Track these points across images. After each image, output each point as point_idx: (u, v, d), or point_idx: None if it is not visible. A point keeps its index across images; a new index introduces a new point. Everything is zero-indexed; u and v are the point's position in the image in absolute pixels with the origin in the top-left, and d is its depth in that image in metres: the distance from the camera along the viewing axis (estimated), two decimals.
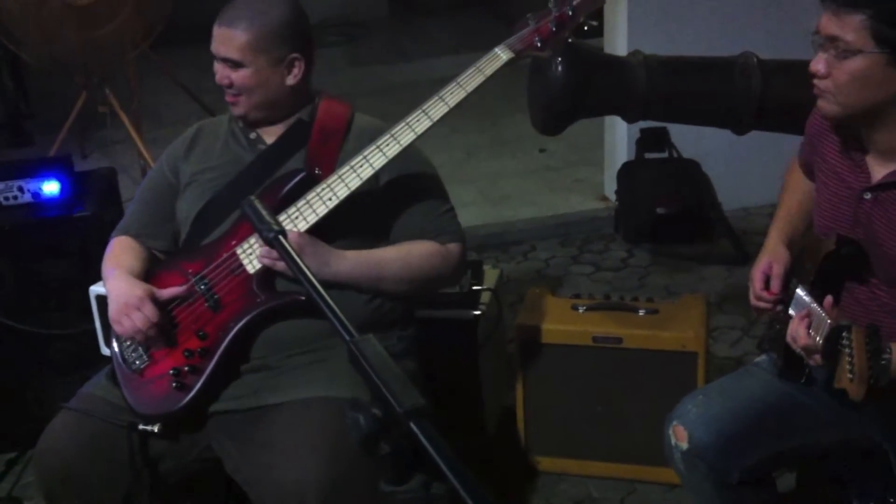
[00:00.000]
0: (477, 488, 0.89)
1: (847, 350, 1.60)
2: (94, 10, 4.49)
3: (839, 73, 1.68)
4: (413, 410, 0.93)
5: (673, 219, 3.90)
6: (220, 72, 2.02)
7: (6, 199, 2.77)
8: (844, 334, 1.61)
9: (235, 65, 1.99)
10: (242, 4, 2.01)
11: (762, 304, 1.87)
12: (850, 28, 1.64)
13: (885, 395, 1.63)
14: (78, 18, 4.49)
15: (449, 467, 0.90)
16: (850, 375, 1.59)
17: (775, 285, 1.85)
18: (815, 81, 1.73)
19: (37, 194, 2.78)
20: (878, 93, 1.68)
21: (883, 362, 1.58)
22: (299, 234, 1.87)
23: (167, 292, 1.95)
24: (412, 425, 0.92)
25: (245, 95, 2.02)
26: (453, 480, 0.90)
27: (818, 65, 1.71)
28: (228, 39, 1.97)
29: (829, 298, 1.70)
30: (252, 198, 1.47)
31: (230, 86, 2.01)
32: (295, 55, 2.01)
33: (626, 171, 4.06)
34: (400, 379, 0.97)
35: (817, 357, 1.68)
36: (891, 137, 1.73)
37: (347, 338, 1.09)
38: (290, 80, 2.02)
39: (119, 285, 1.97)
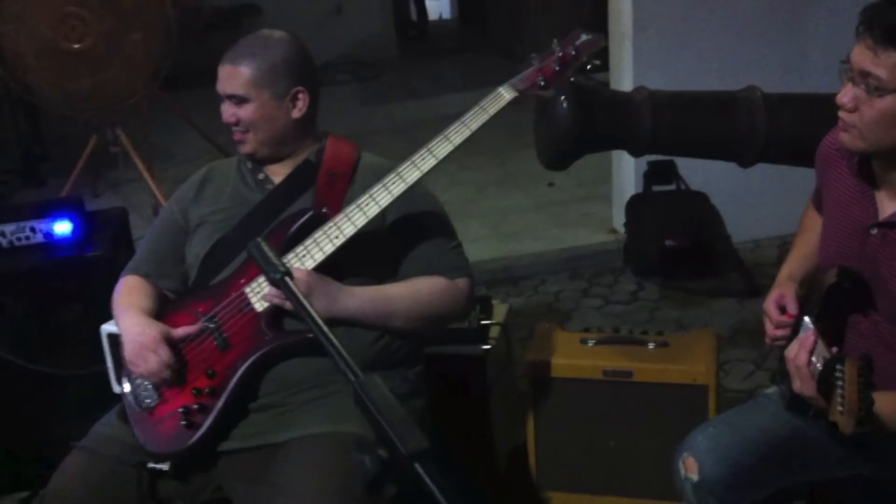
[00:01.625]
0: None
1: (839, 383, 1.58)
2: (96, 54, 4.56)
3: (868, 110, 1.64)
4: (418, 452, 0.93)
5: (682, 252, 3.90)
6: (227, 110, 2.06)
7: (18, 239, 2.80)
8: (838, 367, 1.59)
9: (241, 100, 2.03)
10: (245, 43, 2.06)
11: (780, 332, 1.85)
12: (886, 66, 1.59)
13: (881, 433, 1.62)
14: (83, 63, 4.56)
15: None
16: (840, 408, 1.57)
17: (792, 307, 1.83)
18: (841, 114, 1.70)
19: (49, 234, 2.81)
20: None
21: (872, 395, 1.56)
22: (307, 272, 1.89)
23: (180, 332, 1.97)
24: (417, 467, 0.92)
25: (252, 132, 2.05)
26: None
27: (845, 97, 1.67)
28: (233, 76, 2.02)
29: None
30: (258, 239, 1.48)
31: (237, 123, 2.05)
32: (299, 88, 2.05)
33: (634, 204, 4.07)
34: (404, 420, 0.97)
35: (797, 383, 1.66)
36: None
37: (352, 378, 1.09)
38: (296, 114, 2.06)
39: (133, 325, 1.99)
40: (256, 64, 2.01)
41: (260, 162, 2.12)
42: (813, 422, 1.84)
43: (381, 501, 1.70)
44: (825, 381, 1.62)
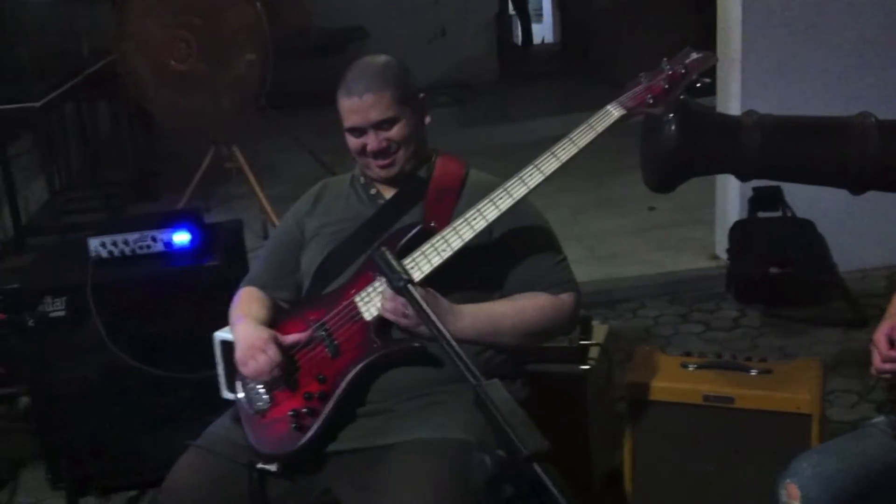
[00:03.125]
0: None
1: None
2: (201, 74, 4.75)
3: None
4: (537, 453, 0.96)
5: (786, 279, 3.83)
6: (374, 139, 2.09)
7: (140, 248, 2.93)
8: None
9: (391, 123, 2.09)
10: (364, 73, 2.11)
11: (889, 366, 1.82)
12: None
13: None
14: (191, 82, 4.76)
15: None
16: None
17: None
18: None
19: (169, 244, 2.93)
20: None
21: None
22: (424, 289, 1.90)
23: (290, 338, 2.05)
24: (536, 467, 0.94)
25: (403, 149, 2.11)
26: None
27: None
28: (377, 103, 2.07)
29: None
30: (383, 249, 1.54)
31: (387, 147, 2.10)
32: (422, 94, 2.16)
33: (738, 230, 4.02)
34: (525, 423, 1.00)
35: None
36: None
37: (474, 381, 1.13)
38: (427, 119, 2.17)
39: (246, 330, 2.08)
40: (393, 85, 2.09)
41: (392, 181, 2.17)
42: None
43: (499, 501, 1.73)
44: None
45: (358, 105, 2.08)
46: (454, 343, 1.22)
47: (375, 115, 2.08)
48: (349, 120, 2.10)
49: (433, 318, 1.30)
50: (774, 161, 2.63)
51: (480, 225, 1.97)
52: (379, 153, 2.11)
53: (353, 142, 2.13)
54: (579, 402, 2.61)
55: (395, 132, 2.09)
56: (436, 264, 1.96)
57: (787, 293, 3.87)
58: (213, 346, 2.51)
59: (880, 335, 1.85)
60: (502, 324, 2.03)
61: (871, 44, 3.94)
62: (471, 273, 2.03)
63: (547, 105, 7.61)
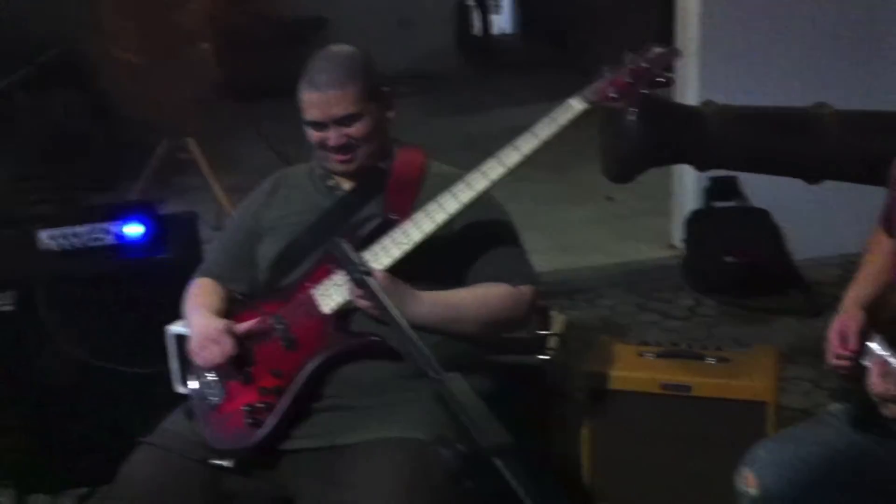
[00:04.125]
0: None
1: None
2: (156, 64, 4.69)
3: None
4: (499, 447, 0.95)
5: (742, 269, 3.87)
6: (335, 134, 2.05)
7: (91, 240, 2.86)
8: None
9: (353, 119, 2.04)
10: (327, 66, 2.06)
11: (841, 363, 1.84)
12: None
13: None
14: (147, 72, 4.69)
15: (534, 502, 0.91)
16: None
17: (852, 342, 1.82)
18: None
19: (120, 236, 2.87)
20: None
21: None
22: (384, 274, 1.89)
23: (244, 326, 2.02)
24: (498, 461, 0.93)
25: (364, 146, 2.07)
26: None
27: None
28: (340, 99, 2.02)
29: None
30: (339, 239, 1.51)
31: (346, 143, 2.06)
32: (385, 88, 2.10)
33: (694, 220, 4.05)
34: (486, 416, 0.99)
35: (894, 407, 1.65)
36: None
37: (434, 375, 1.11)
38: (391, 114, 2.12)
39: (200, 320, 2.05)
40: (358, 80, 2.04)
41: (349, 174, 2.14)
42: (882, 441, 1.82)
43: (462, 496, 1.72)
44: None
45: (320, 99, 2.03)
46: (415, 336, 1.20)
47: (337, 111, 2.03)
48: (310, 114, 2.06)
49: (393, 310, 1.27)
50: (732, 151, 2.66)
51: (441, 218, 1.95)
52: (339, 149, 2.07)
53: (313, 135, 2.08)
54: (538, 392, 2.60)
55: (356, 129, 2.05)
56: (396, 256, 1.94)
57: (742, 282, 3.90)
58: (166, 339, 2.47)
59: (833, 333, 1.86)
60: (463, 312, 2.01)
61: (828, 35, 3.98)
62: (431, 265, 2.01)
63: (509, 95, 7.60)
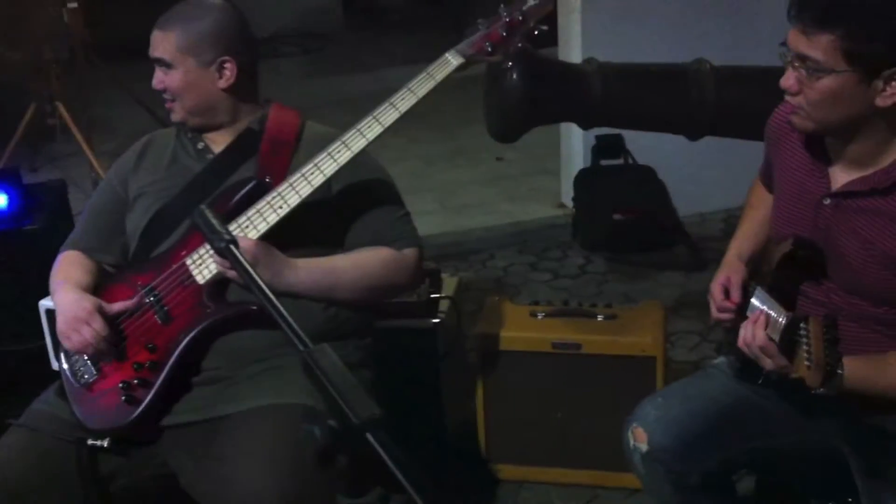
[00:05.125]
0: (436, 499, 0.87)
1: (804, 340, 1.61)
2: (18, 20, 4.45)
3: (811, 92, 1.66)
4: (369, 421, 0.91)
5: (630, 225, 3.92)
6: (156, 76, 2.03)
7: None
8: (802, 325, 1.62)
9: (167, 66, 2.00)
10: (178, 8, 2.03)
11: (725, 315, 1.87)
12: (820, 48, 1.62)
13: (840, 397, 1.64)
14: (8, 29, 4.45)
15: (407, 478, 0.88)
16: (807, 363, 1.60)
17: (735, 295, 1.85)
18: (787, 98, 1.73)
19: None
20: (852, 109, 1.66)
21: (839, 350, 1.59)
22: (254, 242, 1.84)
23: (116, 306, 1.92)
24: (369, 436, 0.89)
25: (179, 100, 2.02)
26: (412, 491, 0.88)
27: (789, 81, 1.69)
28: (161, 41, 2.00)
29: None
30: (202, 207, 1.44)
31: (164, 90, 2.02)
32: (225, 58, 2.00)
33: (582, 179, 4.08)
34: (355, 389, 0.95)
35: (768, 361, 1.68)
36: (859, 149, 1.73)
37: (301, 348, 1.06)
38: (222, 84, 2.01)
39: (67, 299, 1.93)
40: (184, 30, 1.98)
41: (194, 130, 2.07)
42: (762, 390, 1.86)
43: (333, 472, 1.68)
44: (788, 340, 1.63)
45: (152, 38, 2.01)
46: (280, 306, 1.14)
47: (155, 52, 2.01)
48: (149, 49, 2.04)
49: (258, 279, 1.21)
50: (615, 108, 2.67)
51: (318, 180, 1.89)
52: (160, 90, 2.04)
53: None
54: (430, 355, 2.59)
55: (169, 78, 2.01)
56: (272, 223, 1.87)
57: (630, 239, 3.96)
58: (38, 315, 2.34)
59: (716, 286, 1.89)
60: (341, 278, 1.96)
61: None
62: (310, 230, 1.95)
63: (396, 55, 7.51)
